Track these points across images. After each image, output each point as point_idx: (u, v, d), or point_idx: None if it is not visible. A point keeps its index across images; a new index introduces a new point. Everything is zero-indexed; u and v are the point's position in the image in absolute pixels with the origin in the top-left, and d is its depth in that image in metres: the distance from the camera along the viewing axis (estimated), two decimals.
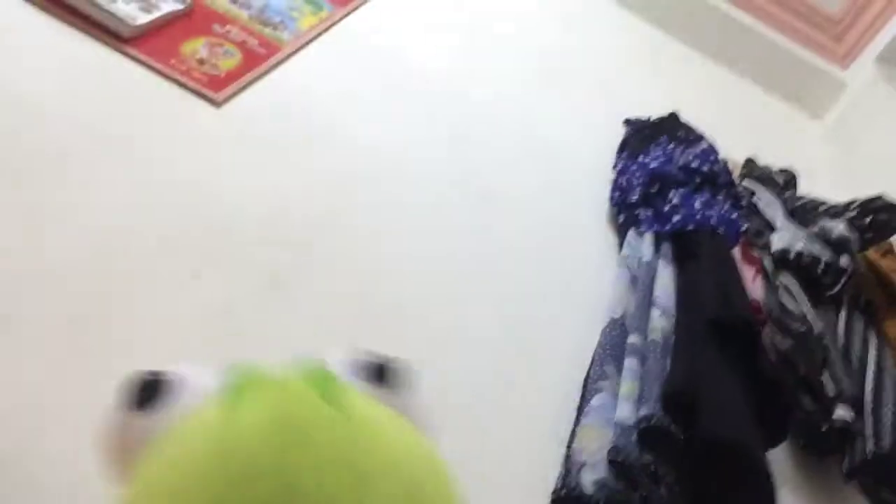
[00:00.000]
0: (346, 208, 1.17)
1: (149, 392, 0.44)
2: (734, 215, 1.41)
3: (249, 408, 0.36)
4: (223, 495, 0.33)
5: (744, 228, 1.41)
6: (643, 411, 0.93)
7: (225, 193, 1.08)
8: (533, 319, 1.17)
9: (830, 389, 1.10)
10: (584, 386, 1.04)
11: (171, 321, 0.88)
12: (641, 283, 1.22)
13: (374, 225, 1.18)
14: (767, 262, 1.38)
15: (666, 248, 1.32)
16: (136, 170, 1.04)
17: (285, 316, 0.96)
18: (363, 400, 0.41)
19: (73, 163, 1.00)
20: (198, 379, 0.45)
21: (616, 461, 0.88)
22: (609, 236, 1.42)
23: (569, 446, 0.93)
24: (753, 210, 1.54)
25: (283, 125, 1.26)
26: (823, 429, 1.08)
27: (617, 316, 1.13)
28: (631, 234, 1.36)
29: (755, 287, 1.30)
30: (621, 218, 1.42)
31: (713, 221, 1.35)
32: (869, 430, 1.08)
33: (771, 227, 1.48)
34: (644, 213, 1.39)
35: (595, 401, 0.98)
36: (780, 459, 1.11)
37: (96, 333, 0.83)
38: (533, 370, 1.08)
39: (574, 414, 1.00)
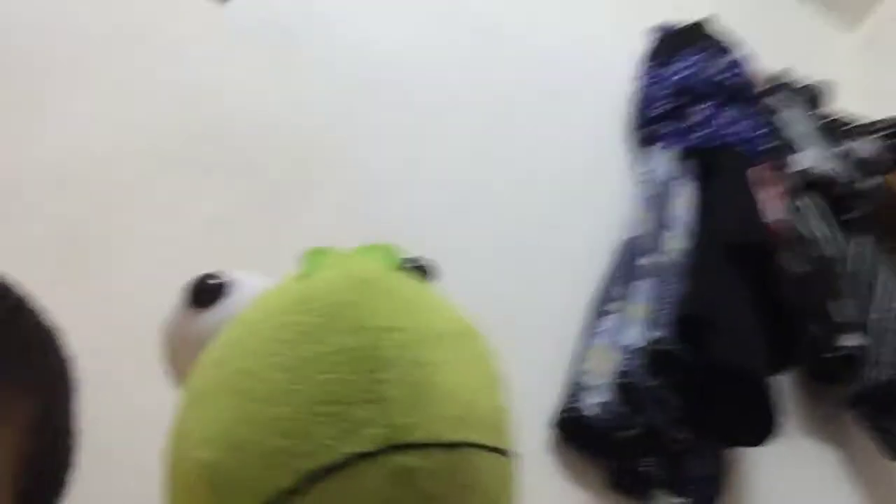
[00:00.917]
0: (350, 114, 1.12)
1: (208, 292, 0.45)
2: (759, 132, 1.36)
3: (323, 270, 0.40)
4: (305, 338, 0.37)
5: (769, 146, 1.36)
6: (653, 334, 0.93)
7: (226, 95, 1.03)
8: (541, 241, 1.15)
9: (837, 316, 1.10)
10: (595, 307, 1.03)
11: (170, 232, 0.86)
12: (658, 203, 1.19)
13: (377, 134, 1.13)
14: (790, 183, 1.34)
15: (687, 165, 1.28)
16: (137, 70, 0.99)
17: (285, 226, 0.94)
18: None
19: (69, 65, 0.95)
20: (252, 281, 0.46)
21: (622, 384, 0.88)
22: (626, 154, 1.38)
23: (576, 368, 0.93)
24: (779, 127, 1.48)
25: (290, 22, 1.19)
26: (828, 356, 1.09)
27: (632, 236, 1.11)
28: (650, 150, 1.31)
29: (777, 208, 1.27)
30: (641, 133, 1.37)
31: (737, 139, 1.30)
32: (872, 358, 1.08)
33: (797, 146, 1.43)
34: (665, 128, 1.34)
35: (606, 322, 0.98)
36: (785, 386, 1.12)
37: (94, 246, 0.81)
38: (540, 293, 1.07)
39: (580, 336, 1.00)
